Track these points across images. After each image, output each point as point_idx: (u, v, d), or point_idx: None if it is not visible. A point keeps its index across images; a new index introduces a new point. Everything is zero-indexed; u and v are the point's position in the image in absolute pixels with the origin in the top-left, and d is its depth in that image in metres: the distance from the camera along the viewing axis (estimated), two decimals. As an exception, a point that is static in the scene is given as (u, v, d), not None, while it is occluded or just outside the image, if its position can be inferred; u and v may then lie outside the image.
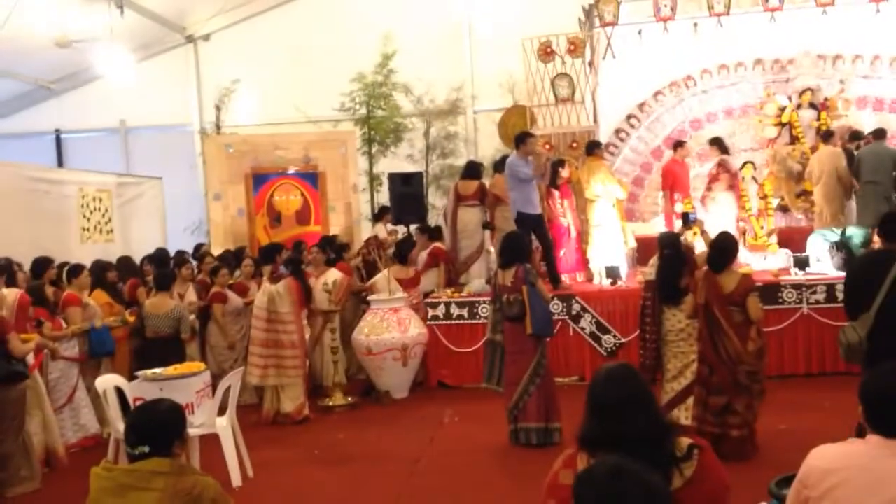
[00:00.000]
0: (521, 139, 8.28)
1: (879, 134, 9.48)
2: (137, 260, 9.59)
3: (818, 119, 10.78)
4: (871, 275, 4.68)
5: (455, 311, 8.58)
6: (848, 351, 4.67)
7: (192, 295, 8.13)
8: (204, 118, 14.48)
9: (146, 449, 2.76)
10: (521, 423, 6.26)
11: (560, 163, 9.27)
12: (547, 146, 10.77)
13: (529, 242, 8.46)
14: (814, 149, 10.64)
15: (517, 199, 8.32)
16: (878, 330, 4.52)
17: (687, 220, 8.99)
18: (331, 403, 7.88)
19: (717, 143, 9.73)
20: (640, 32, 10.72)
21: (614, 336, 8.22)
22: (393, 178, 10.59)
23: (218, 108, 13.35)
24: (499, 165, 9.55)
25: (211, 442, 5.79)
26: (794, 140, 10.73)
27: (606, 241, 9.10)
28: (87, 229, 10.73)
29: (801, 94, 10.88)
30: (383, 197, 12.06)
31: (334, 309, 8.08)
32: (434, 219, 11.98)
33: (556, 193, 9.13)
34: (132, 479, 2.73)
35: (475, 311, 8.52)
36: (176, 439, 2.83)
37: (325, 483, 5.83)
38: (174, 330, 7.03)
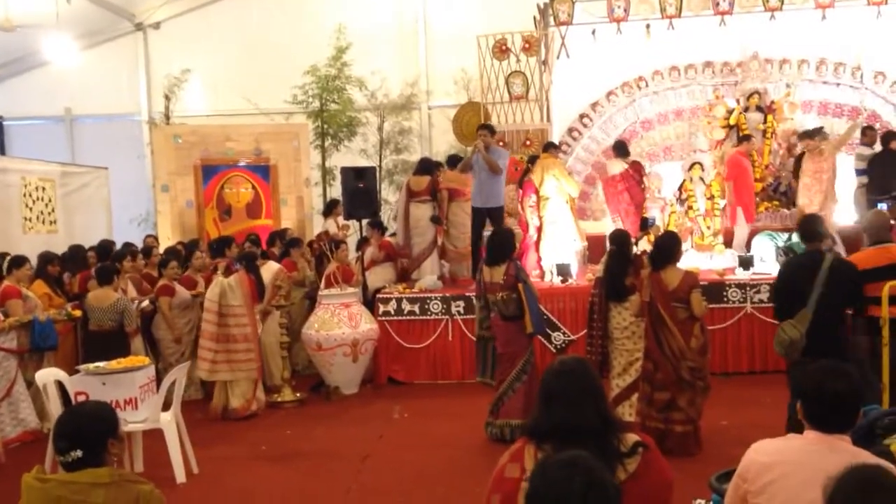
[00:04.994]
0: None
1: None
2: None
3: (765, 122, 11.02)
4: (802, 276, 5.02)
5: (406, 306, 8.56)
6: (789, 347, 4.95)
7: (131, 289, 7.94)
8: (152, 108, 14.23)
9: (79, 453, 2.59)
10: (502, 418, 6.22)
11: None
12: (500, 143, 10.82)
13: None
14: (760, 151, 10.87)
15: None
16: (814, 325, 4.87)
17: (645, 224, 9.13)
18: (279, 399, 7.80)
19: (619, 149, 9.92)
20: (593, 32, 10.82)
21: (564, 333, 8.29)
22: (346, 172, 10.51)
23: (167, 98, 13.13)
24: (452, 161, 9.57)
25: (155, 437, 5.69)
26: (740, 142, 10.93)
27: (558, 239, 9.17)
28: (30, 219, 10.43)
29: (749, 96, 11.10)
30: (336, 191, 11.97)
31: (271, 306, 8.03)
32: (387, 214, 11.95)
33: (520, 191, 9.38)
34: (68, 492, 2.56)
35: (426, 307, 8.52)
36: (109, 438, 2.67)
37: (271, 479, 5.78)
38: (117, 323, 6.89)
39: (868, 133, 10.16)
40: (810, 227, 5.37)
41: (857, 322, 5.43)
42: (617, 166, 9.77)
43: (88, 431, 2.65)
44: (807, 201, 9.56)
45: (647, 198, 10.27)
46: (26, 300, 6.95)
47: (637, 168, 9.88)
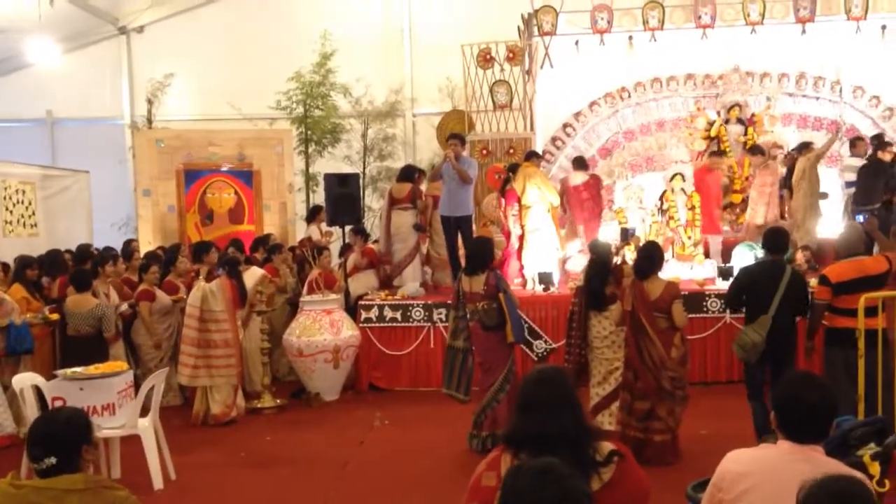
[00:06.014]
0: None
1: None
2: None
3: (745, 134, 11.13)
4: (765, 284, 5.57)
5: (388, 313, 8.55)
6: (751, 350, 5.53)
7: (114, 295, 7.87)
8: (135, 112, 14.18)
9: (53, 460, 2.59)
10: (487, 429, 6.16)
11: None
12: (484, 151, 10.88)
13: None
14: (740, 163, 10.98)
15: None
16: (772, 331, 5.47)
17: (626, 235, 9.18)
18: (259, 405, 7.77)
19: (579, 162, 10.02)
20: (577, 43, 10.94)
21: (545, 341, 8.31)
22: (329, 178, 10.51)
23: (150, 102, 13.08)
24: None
25: (133, 443, 5.65)
26: (710, 155, 11.02)
27: (540, 247, 9.20)
28: (10, 223, 10.36)
29: (730, 109, 11.21)
30: (319, 197, 11.96)
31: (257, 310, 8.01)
32: (370, 221, 11.95)
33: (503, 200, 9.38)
34: (43, 498, 2.56)
35: (408, 314, 8.52)
36: (83, 444, 2.66)
37: (250, 486, 5.75)
38: (95, 329, 6.84)
39: (858, 144, 10.02)
40: (776, 239, 5.85)
41: (832, 334, 5.53)
42: (580, 177, 9.89)
43: (62, 438, 2.64)
44: (751, 212, 10.00)
45: (627, 208, 10.39)
46: (2, 304, 6.88)
47: (597, 179, 10.09)
